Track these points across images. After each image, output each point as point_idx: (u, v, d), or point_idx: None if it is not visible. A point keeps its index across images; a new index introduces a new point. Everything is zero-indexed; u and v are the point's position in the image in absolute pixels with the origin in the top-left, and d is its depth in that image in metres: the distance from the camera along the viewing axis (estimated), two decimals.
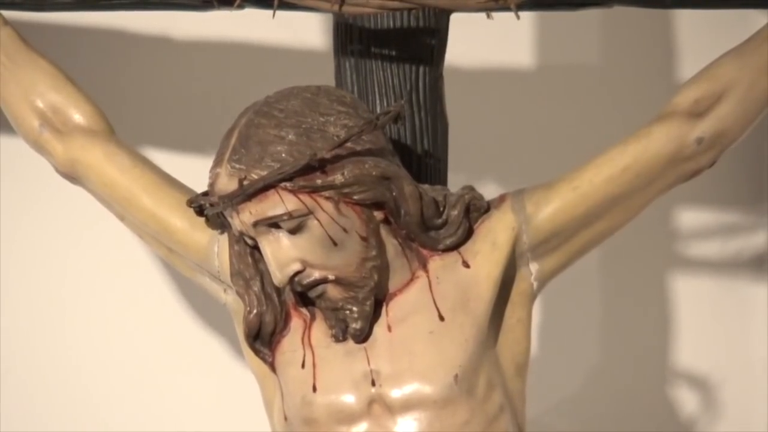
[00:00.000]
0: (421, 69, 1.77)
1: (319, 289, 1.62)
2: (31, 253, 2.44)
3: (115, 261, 2.43)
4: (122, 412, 2.45)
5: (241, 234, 1.63)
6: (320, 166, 1.57)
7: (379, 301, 1.65)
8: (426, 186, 1.68)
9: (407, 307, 1.65)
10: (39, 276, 2.44)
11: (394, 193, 1.61)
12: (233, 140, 1.59)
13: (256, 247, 1.64)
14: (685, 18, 2.42)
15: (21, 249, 2.43)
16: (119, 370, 2.45)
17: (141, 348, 2.44)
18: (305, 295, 1.65)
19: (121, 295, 2.44)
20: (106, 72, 2.32)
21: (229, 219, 1.62)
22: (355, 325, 1.63)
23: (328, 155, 1.57)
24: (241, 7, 1.67)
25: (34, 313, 2.44)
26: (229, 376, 2.38)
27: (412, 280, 1.66)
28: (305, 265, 1.60)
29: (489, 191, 1.72)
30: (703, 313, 2.51)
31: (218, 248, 1.71)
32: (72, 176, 1.78)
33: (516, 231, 1.67)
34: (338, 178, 1.58)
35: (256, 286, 1.67)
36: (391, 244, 1.65)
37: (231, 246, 1.69)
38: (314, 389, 1.63)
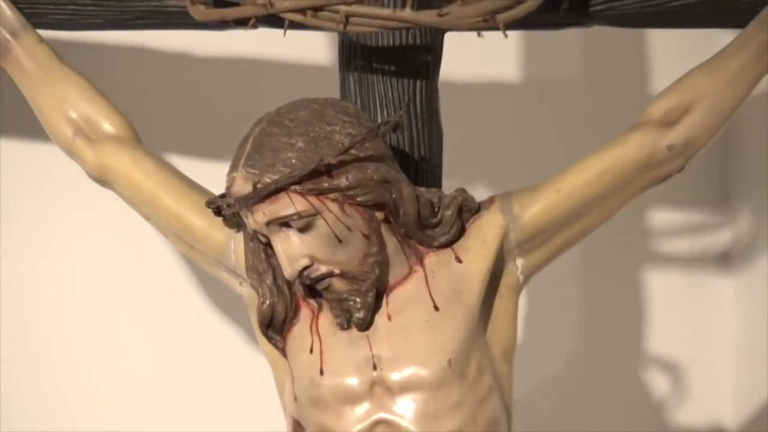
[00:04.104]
0: (418, 82, 1.77)
1: (326, 282, 1.62)
2: (35, 248, 2.42)
3: (134, 258, 2.42)
4: (140, 403, 2.44)
5: (255, 232, 1.63)
6: (327, 170, 1.57)
7: (380, 293, 1.65)
8: (422, 188, 1.68)
9: (405, 299, 1.65)
10: (44, 270, 2.43)
11: (393, 195, 1.61)
12: (248, 147, 1.59)
13: (268, 244, 1.64)
14: (657, 36, 2.43)
15: (24, 243, 2.42)
16: (139, 364, 2.44)
17: (161, 338, 2.44)
18: (313, 288, 1.65)
19: (140, 291, 2.43)
20: (132, 85, 2.32)
21: (244, 219, 1.62)
22: (359, 315, 1.62)
23: (333, 161, 1.57)
24: (254, 27, 1.67)
25: (38, 309, 2.43)
26: (245, 362, 2.37)
27: (409, 273, 1.66)
28: (313, 260, 1.60)
29: (479, 193, 1.72)
30: (673, 304, 2.52)
31: (234, 245, 1.71)
32: (102, 180, 1.78)
33: (504, 229, 1.67)
34: (343, 181, 1.58)
35: (268, 280, 1.67)
36: (391, 242, 1.65)
37: (246, 243, 1.69)
38: (321, 373, 1.63)
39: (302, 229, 1.59)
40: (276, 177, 1.56)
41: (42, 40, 1.79)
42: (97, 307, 2.42)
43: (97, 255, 2.42)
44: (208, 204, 1.67)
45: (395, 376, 1.61)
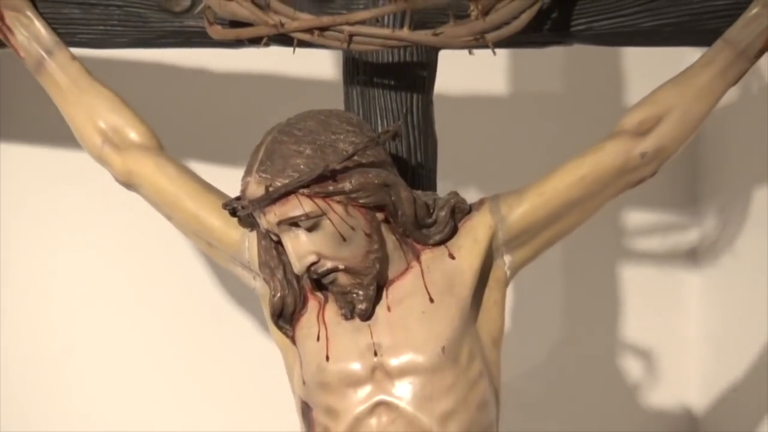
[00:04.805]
0: (415, 96, 1.77)
1: (331, 276, 1.62)
2: (41, 247, 2.38)
3: (150, 255, 2.40)
4: (159, 392, 2.41)
5: (267, 231, 1.63)
6: (332, 175, 1.57)
7: (381, 286, 1.65)
8: (419, 192, 1.68)
9: (403, 292, 1.65)
10: (53, 268, 2.39)
11: (393, 198, 1.61)
12: (261, 154, 1.60)
13: (279, 242, 1.64)
14: (632, 54, 2.43)
15: (33, 241, 2.38)
16: (156, 357, 2.41)
17: (179, 330, 2.41)
18: (320, 282, 1.65)
19: (158, 286, 2.41)
20: (155, 97, 2.31)
21: (258, 219, 1.63)
22: (361, 306, 1.63)
23: (338, 166, 1.57)
24: (267, 45, 1.67)
25: (46, 308, 2.39)
26: (258, 349, 2.36)
27: (407, 269, 1.66)
28: (320, 256, 1.61)
29: (471, 196, 1.73)
30: (646, 296, 2.52)
31: (248, 243, 1.71)
32: (128, 184, 1.78)
33: (493, 229, 1.67)
34: (347, 185, 1.58)
35: (279, 274, 1.67)
36: (390, 240, 1.65)
37: (259, 241, 1.69)
38: (327, 358, 1.63)
39: (310, 229, 1.59)
40: (286, 181, 1.57)
41: (74, 57, 1.79)
42: (114, 303, 2.40)
43: (111, 252, 2.40)
44: (225, 206, 1.68)
45: (394, 362, 1.62)
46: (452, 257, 1.66)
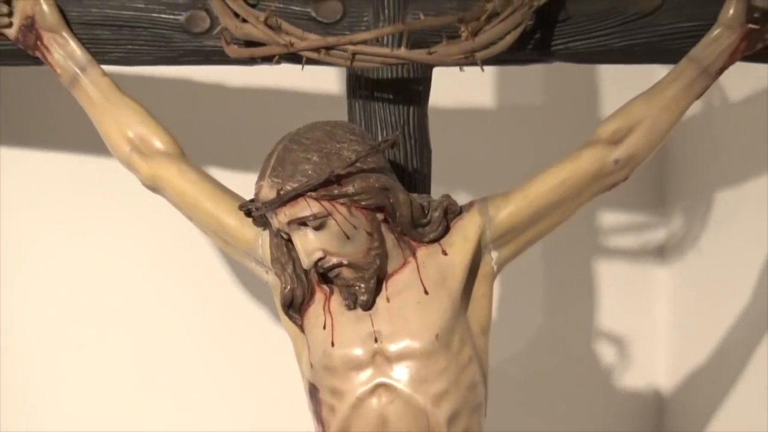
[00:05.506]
0: (411, 108, 1.77)
1: (336, 270, 1.63)
2: (47, 246, 2.33)
3: (174, 251, 2.38)
4: (182, 375, 2.38)
5: (279, 230, 1.64)
6: (337, 180, 1.58)
7: (381, 279, 1.65)
8: (415, 194, 1.69)
9: (401, 284, 1.65)
10: (61, 266, 2.34)
11: (391, 200, 1.62)
12: (273, 161, 1.60)
13: (289, 240, 1.65)
14: (606, 70, 2.43)
15: (41, 241, 2.33)
16: (179, 343, 2.38)
17: (199, 319, 2.39)
18: (326, 275, 1.65)
19: (181, 280, 2.38)
20: (177, 109, 2.30)
21: (270, 219, 1.63)
22: (363, 298, 1.63)
23: (343, 172, 1.58)
24: (278, 63, 1.68)
25: (52, 307, 2.33)
26: (270, 335, 2.36)
27: (404, 264, 1.67)
28: (326, 253, 1.61)
29: (461, 198, 1.73)
30: (618, 289, 2.51)
31: (261, 241, 1.72)
32: (153, 188, 1.78)
33: (481, 228, 1.68)
34: (350, 189, 1.59)
35: (289, 269, 1.67)
36: (389, 238, 1.65)
37: (271, 239, 1.69)
38: (332, 345, 1.64)
39: (317, 228, 1.60)
40: (296, 185, 1.57)
41: (105, 73, 1.79)
42: (122, 300, 2.35)
43: (121, 250, 2.35)
44: (241, 207, 1.68)
45: (393, 348, 1.62)
46: (445, 253, 1.66)
